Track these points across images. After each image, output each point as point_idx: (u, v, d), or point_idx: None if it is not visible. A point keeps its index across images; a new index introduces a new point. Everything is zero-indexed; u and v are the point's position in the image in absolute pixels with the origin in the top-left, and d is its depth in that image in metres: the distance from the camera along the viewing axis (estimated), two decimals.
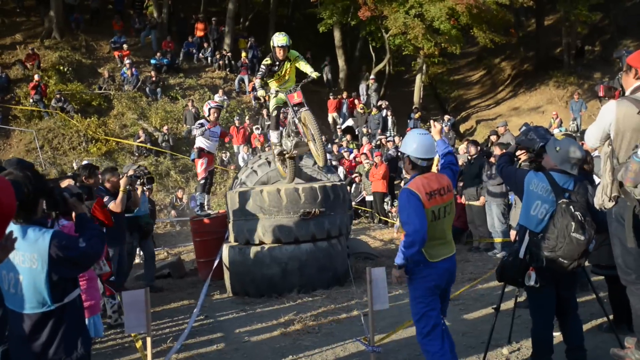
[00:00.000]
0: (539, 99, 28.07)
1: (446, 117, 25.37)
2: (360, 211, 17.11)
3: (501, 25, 27.46)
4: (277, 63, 9.13)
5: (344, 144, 21.97)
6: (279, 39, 8.96)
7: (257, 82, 9.30)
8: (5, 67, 23.33)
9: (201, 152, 11.00)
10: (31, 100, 21.67)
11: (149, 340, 5.29)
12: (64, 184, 6.20)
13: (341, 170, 16.93)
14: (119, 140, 21.41)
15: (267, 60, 9.19)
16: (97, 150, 20.65)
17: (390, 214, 15.83)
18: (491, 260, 9.87)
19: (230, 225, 9.48)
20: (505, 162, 5.43)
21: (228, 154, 21.03)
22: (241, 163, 18.70)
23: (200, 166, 11.16)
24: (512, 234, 8.17)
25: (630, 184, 4.21)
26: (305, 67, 9.32)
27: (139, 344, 5.86)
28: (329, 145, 20.87)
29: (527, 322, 5.44)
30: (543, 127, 5.69)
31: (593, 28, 30.78)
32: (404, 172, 6.57)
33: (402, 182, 16.52)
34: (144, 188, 9.23)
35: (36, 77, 21.81)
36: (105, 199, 7.68)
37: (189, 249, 11.46)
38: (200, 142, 10.92)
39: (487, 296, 6.43)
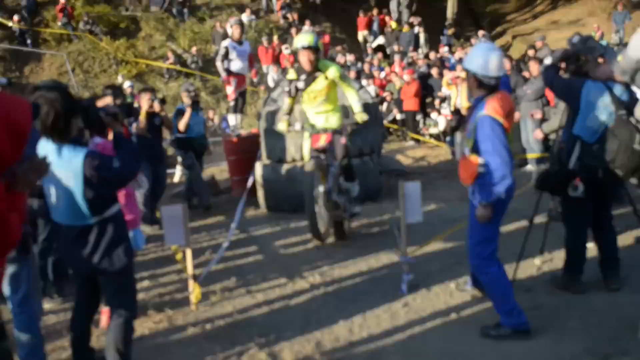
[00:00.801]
0: (580, 12, 27.04)
1: (480, 32, 24.60)
2: (391, 130, 17.02)
3: None
4: (304, 77, 6.75)
5: (375, 62, 21.62)
6: (299, 38, 6.76)
7: (284, 104, 7.25)
8: None
9: (230, 73, 10.97)
10: (59, 23, 21.67)
11: (188, 252, 5.49)
12: (103, 102, 6.30)
13: (372, 89, 16.72)
14: (148, 62, 21.43)
15: (289, 74, 7.10)
16: (128, 72, 20.71)
17: (422, 132, 15.75)
18: (525, 176, 9.84)
19: (262, 144, 9.50)
20: (554, 73, 5.31)
21: (258, 75, 20.94)
22: (270, 83, 18.62)
23: (229, 87, 11.17)
24: (538, 132, 8.17)
25: None
26: (349, 92, 6.89)
27: (179, 256, 6.08)
28: (359, 64, 20.61)
29: (560, 234, 5.48)
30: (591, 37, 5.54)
31: None
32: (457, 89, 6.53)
33: (436, 100, 16.32)
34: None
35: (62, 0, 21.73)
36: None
37: (222, 169, 11.62)
38: (228, 64, 10.86)
39: (521, 210, 6.44)
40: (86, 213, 3.78)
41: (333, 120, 6.88)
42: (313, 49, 6.45)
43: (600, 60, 5.28)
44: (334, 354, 4.45)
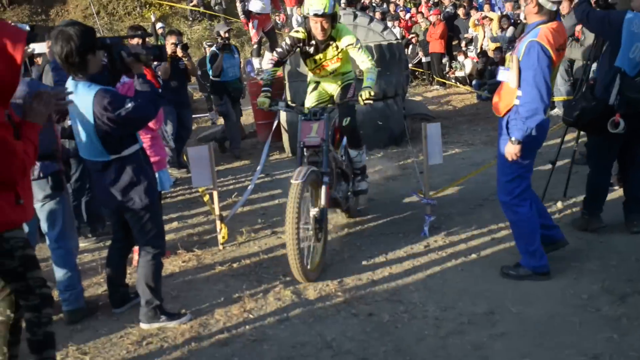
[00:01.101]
0: None
1: None
2: (416, 73, 16.82)
3: None
4: (313, 42, 5.45)
5: (401, 2, 21.18)
6: (311, 2, 5.06)
7: (265, 64, 6.30)
8: None
9: (249, 14, 10.86)
10: None
11: (215, 194, 5.63)
12: (132, 42, 6.35)
13: (397, 31, 16.44)
14: (172, 4, 21.27)
15: (296, 32, 5.53)
16: (151, 15, 20.53)
17: (447, 76, 15.58)
18: (552, 119, 9.75)
19: (287, 87, 9.46)
20: (587, 6, 5.13)
21: (282, 16, 20.65)
22: (295, 25, 18.35)
23: (251, 29, 11.08)
24: None
25: None
26: (363, 63, 5.38)
27: (206, 198, 6.21)
28: (384, 5, 20.20)
29: (583, 177, 5.48)
30: None
31: None
32: (524, 14, 5.52)
33: (462, 42, 16.04)
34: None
35: None
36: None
37: (248, 112, 11.66)
38: (247, 4, 10.74)
39: (545, 154, 6.44)
40: (101, 150, 3.90)
41: (342, 78, 5.80)
42: (328, 16, 5.04)
43: None
44: (357, 292, 4.55)
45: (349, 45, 5.28)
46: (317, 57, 5.51)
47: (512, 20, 14.70)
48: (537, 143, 4.26)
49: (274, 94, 5.62)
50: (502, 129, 4.36)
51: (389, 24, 15.84)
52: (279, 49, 5.54)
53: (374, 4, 19.78)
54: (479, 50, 15.11)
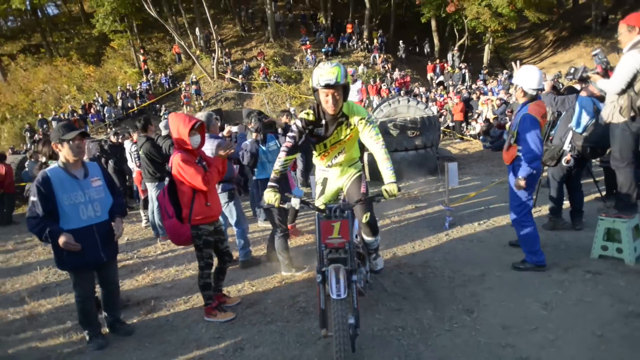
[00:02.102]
0: (572, 55, 24.22)
1: (505, 71, 22.78)
2: (445, 132, 16.32)
3: (546, 6, 23.71)
4: (324, 122, 3.01)
5: (438, 92, 20.73)
6: (320, 72, 2.78)
7: (277, 164, 2.97)
8: (247, 61, 24.45)
9: None
10: (261, 77, 22.79)
11: None
12: (283, 119, 6.49)
13: (435, 108, 16.04)
14: (307, 97, 21.96)
15: (306, 114, 3.04)
16: (295, 103, 21.32)
17: (465, 134, 15.02)
18: None
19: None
20: (552, 96, 5.11)
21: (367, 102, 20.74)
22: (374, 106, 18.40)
23: None
24: None
25: None
26: (375, 147, 2.91)
27: None
28: (427, 94, 19.83)
29: (546, 195, 5.16)
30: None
31: (615, 2, 25.51)
32: (515, 97, 4.03)
33: (475, 114, 15.43)
34: None
35: (262, 64, 22.80)
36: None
37: None
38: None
39: None
40: None
41: (350, 169, 3.29)
42: (340, 86, 2.80)
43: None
44: (403, 259, 4.52)
45: (361, 119, 2.94)
46: (328, 140, 3.07)
47: (504, 101, 14.02)
48: (535, 179, 3.84)
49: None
50: (510, 171, 3.95)
51: (430, 104, 15.54)
52: (290, 135, 2.98)
53: (421, 93, 19.43)
54: (484, 119, 14.50)
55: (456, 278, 3.90)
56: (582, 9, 26.91)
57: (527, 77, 3.76)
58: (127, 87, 22.67)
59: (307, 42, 25.45)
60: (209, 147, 4.23)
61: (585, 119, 4.63)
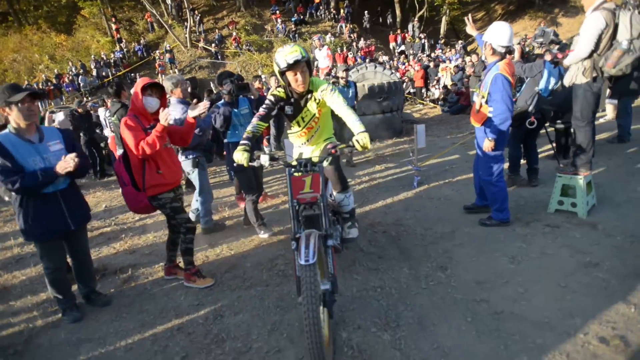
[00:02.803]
0: (518, 28, 23.97)
1: (460, 41, 22.44)
2: (407, 98, 15.97)
3: None
4: (292, 99, 2.75)
5: (400, 59, 20.15)
6: (284, 53, 2.54)
7: (250, 126, 2.59)
8: (219, 29, 22.76)
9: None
10: (233, 46, 21.37)
11: None
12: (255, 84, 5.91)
13: (397, 75, 15.50)
14: None
15: (277, 91, 2.76)
16: (267, 71, 20.20)
17: (425, 99, 14.75)
18: None
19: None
20: (521, 64, 4.80)
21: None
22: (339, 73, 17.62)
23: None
24: None
25: (609, 67, 3.44)
26: (343, 110, 2.53)
27: None
28: (390, 62, 19.22)
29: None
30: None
31: None
32: (484, 56, 3.51)
33: (433, 81, 15.09)
34: None
35: (234, 34, 21.29)
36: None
37: None
38: None
39: None
40: None
41: (324, 143, 2.97)
42: (305, 62, 2.57)
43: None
44: (376, 218, 4.27)
45: (323, 90, 2.64)
46: (302, 114, 2.80)
47: (460, 68, 13.71)
48: (504, 139, 3.54)
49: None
50: (480, 133, 3.61)
51: (393, 71, 15.02)
52: (264, 105, 2.70)
53: (384, 61, 18.81)
54: (442, 85, 14.25)
55: (428, 235, 3.68)
56: None
57: (496, 33, 3.35)
58: (102, 56, 20.77)
59: (277, 12, 23.91)
60: (178, 112, 3.69)
61: (551, 83, 4.40)
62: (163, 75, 19.63)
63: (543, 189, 4.52)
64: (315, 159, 2.46)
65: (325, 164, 2.66)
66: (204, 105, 3.03)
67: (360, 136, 2.38)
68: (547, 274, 2.87)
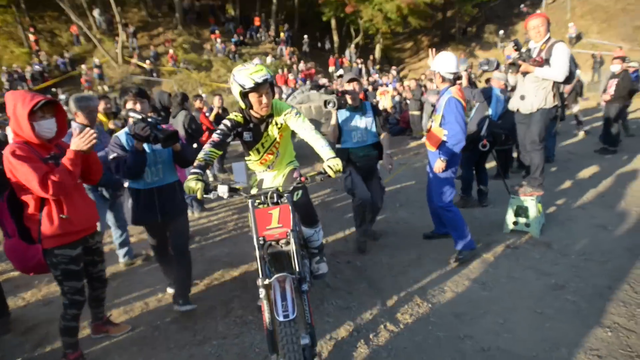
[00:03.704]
0: None
1: (392, 68, 23.75)
2: None
3: (424, 16, 25.03)
4: (251, 124, 2.37)
5: (339, 82, 20.61)
6: (248, 72, 2.16)
7: (201, 153, 2.13)
8: (155, 46, 21.44)
9: None
10: (170, 64, 20.23)
11: None
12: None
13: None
14: (218, 85, 20.14)
15: (235, 115, 2.33)
16: (206, 90, 19.37)
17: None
18: None
19: None
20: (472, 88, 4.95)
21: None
22: (283, 96, 17.48)
23: None
24: None
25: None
26: (310, 134, 2.23)
27: None
28: (329, 84, 19.54)
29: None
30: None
31: (472, 18, 28.11)
32: (434, 85, 4.36)
33: (375, 101, 15.57)
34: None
35: (171, 51, 20.18)
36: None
37: None
38: None
39: None
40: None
41: (286, 168, 2.63)
42: (270, 83, 2.25)
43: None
44: (336, 247, 3.94)
45: (287, 114, 2.31)
46: (263, 140, 2.44)
47: (399, 93, 14.34)
48: (457, 161, 3.44)
49: None
50: (434, 157, 3.47)
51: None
52: (219, 131, 2.27)
53: (325, 84, 19.03)
54: (382, 108, 14.73)
55: (395, 265, 3.44)
56: (449, 21, 29.04)
57: (443, 62, 3.37)
58: (15, 69, 18.28)
59: (217, 32, 23.26)
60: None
61: (499, 107, 4.53)
62: (90, 92, 17.82)
63: (493, 208, 4.58)
64: (281, 189, 2.08)
65: (295, 198, 2.32)
66: (89, 135, 2.15)
67: (332, 162, 2.07)
68: (520, 300, 2.77)
